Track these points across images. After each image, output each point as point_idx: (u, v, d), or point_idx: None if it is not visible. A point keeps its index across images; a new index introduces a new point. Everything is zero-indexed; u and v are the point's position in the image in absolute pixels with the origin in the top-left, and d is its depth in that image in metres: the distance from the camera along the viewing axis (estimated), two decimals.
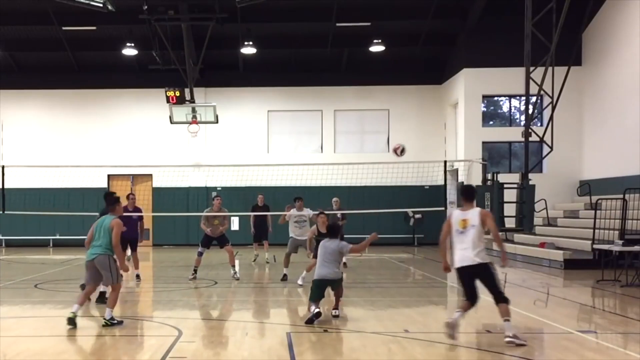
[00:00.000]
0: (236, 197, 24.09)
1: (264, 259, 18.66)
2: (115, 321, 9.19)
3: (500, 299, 8.11)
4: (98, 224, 9.40)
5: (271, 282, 14.87)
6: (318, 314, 9.23)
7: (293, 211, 15.09)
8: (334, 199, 17.57)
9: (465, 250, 8.13)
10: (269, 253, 18.88)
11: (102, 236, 9.23)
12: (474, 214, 8.23)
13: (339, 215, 16.94)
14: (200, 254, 14.62)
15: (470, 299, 8.24)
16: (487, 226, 8.19)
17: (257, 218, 18.77)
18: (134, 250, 14.80)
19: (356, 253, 9.59)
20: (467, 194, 8.50)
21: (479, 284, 8.21)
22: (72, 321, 8.87)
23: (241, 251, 19.64)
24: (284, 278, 14.20)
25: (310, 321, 9.17)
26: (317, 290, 9.56)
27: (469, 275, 8.19)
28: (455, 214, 8.39)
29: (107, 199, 9.81)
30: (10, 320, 9.69)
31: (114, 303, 9.31)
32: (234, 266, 14.67)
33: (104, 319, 9.17)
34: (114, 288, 9.29)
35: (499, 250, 8.58)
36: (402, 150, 17.18)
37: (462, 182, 9.81)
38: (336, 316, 9.66)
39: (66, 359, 7.41)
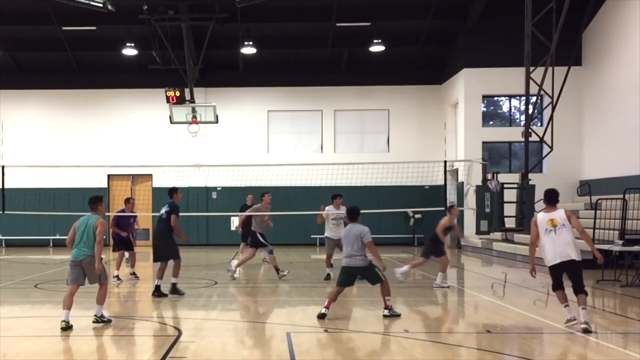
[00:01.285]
0: (236, 197, 24.08)
1: (260, 258, 18.61)
2: (105, 319, 9.30)
3: (581, 290, 8.77)
4: (81, 223, 9.33)
5: (271, 282, 14.86)
6: (322, 315, 9.47)
7: (330, 209, 14.62)
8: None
9: (559, 247, 8.80)
10: (263, 252, 18.85)
11: (88, 236, 9.20)
12: (560, 214, 8.98)
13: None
14: (271, 252, 14.53)
15: (561, 287, 8.97)
16: (573, 225, 8.96)
17: (246, 218, 18.58)
18: (131, 250, 15.00)
19: (371, 249, 9.68)
20: (551, 198, 9.24)
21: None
22: (66, 329, 8.81)
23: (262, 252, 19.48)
24: (328, 277, 14.18)
25: (320, 316, 9.50)
26: (342, 276, 9.78)
27: (562, 270, 8.87)
28: (540, 216, 9.08)
29: (90, 200, 9.75)
30: (10, 320, 9.69)
31: (103, 299, 9.38)
32: (275, 267, 14.66)
33: (95, 315, 9.28)
34: (101, 284, 9.32)
35: (589, 247, 9.34)
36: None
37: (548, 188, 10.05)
38: (386, 316, 9.60)
39: (66, 359, 7.40)
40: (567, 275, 8.89)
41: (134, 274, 14.98)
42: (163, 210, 12.59)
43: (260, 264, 18.33)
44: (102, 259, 9.32)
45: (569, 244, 8.81)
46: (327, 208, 14.74)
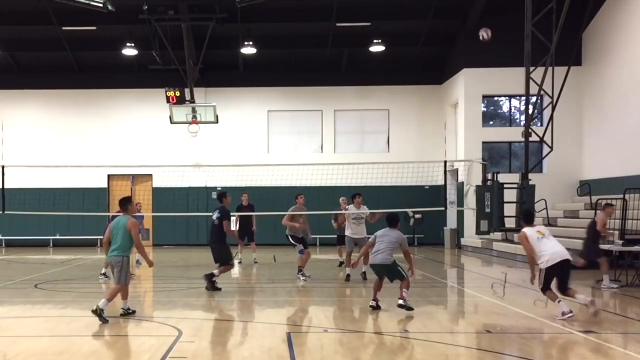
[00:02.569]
0: (236, 197, 24.05)
1: (252, 258, 18.67)
2: (130, 310, 9.94)
3: (567, 289, 9.64)
4: (113, 224, 10.00)
5: (271, 282, 14.87)
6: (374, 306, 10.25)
7: (351, 208, 14.70)
8: (342, 198, 17.16)
9: (557, 247, 9.73)
10: (256, 253, 18.95)
11: (120, 238, 9.82)
12: (542, 227, 10.29)
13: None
14: (302, 252, 14.33)
15: (550, 287, 9.71)
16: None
17: (241, 218, 18.68)
18: None
19: (407, 257, 10.68)
20: (529, 217, 10.30)
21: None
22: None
23: (256, 252, 19.55)
24: (347, 279, 14.17)
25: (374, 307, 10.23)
26: (375, 271, 10.46)
27: (558, 269, 9.60)
28: (528, 230, 9.97)
29: (120, 201, 10.41)
30: (10, 320, 9.69)
31: (113, 297, 9.78)
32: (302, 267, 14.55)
33: (122, 308, 9.93)
34: (121, 286, 9.85)
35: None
36: (484, 37, 15.99)
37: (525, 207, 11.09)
38: (400, 305, 9.99)
39: (66, 359, 7.40)
40: (557, 275, 9.66)
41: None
42: (215, 216, 12.88)
43: (249, 264, 18.34)
44: (129, 258, 10.07)
45: (561, 246, 9.90)
46: (348, 207, 14.85)
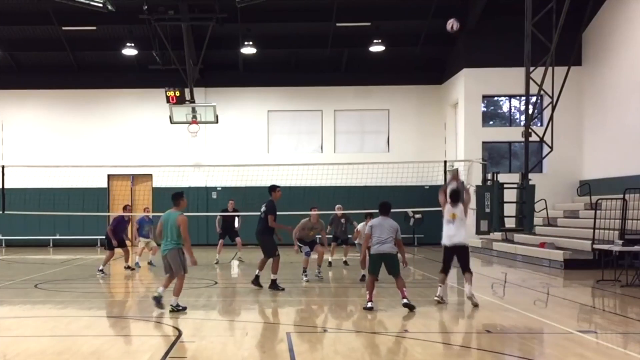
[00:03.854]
0: (236, 197, 24.08)
1: (235, 257, 19.07)
2: (180, 307, 10.18)
3: (468, 270, 10.92)
4: (164, 218, 10.44)
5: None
6: (370, 308, 10.15)
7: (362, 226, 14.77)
8: (338, 206, 17.48)
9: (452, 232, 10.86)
10: (241, 252, 19.37)
11: (170, 232, 10.26)
12: (459, 212, 11.07)
13: (342, 221, 17.15)
14: (308, 253, 14.35)
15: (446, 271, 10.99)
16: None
17: (224, 219, 19.19)
18: (124, 247, 16.50)
19: (400, 246, 10.74)
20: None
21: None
22: (158, 300, 10.14)
23: (241, 251, 19.64)
24: (363, 279, 14.21)
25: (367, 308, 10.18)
26: (373, 264, 10.47)
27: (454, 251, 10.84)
28: (448, 206, 10.99)
29: (173, 196, 10.79)
30: (10, 320, 9.69)
31: (179, 291, 10.28)
32: (319, 266, 14.78)
33: (171, 305, 10.14)
34: (179, 277, 10.30)
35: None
36: (453, 28, 15.81)
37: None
38: (406, 305, 10.14)
39: (66, 359, 7.40)
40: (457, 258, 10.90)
41: (128, 267, 16.53)
42: (262, 209, 12.98)
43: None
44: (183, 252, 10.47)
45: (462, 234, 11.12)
46: (359, 226, 15.27)
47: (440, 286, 11.18)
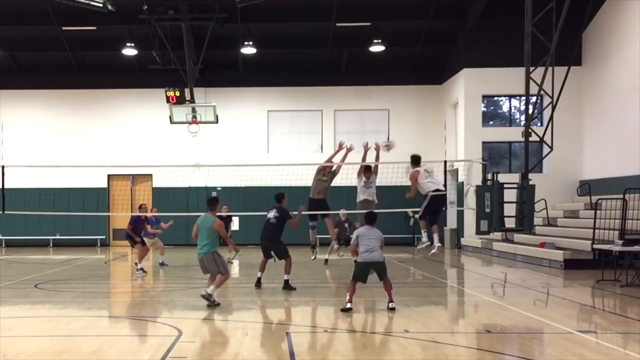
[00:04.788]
0: (236, 197, 24.10)
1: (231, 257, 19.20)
2: (215, 301, 10.62)
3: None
4: (200, 222, 10.87)
5: (271, 282, 14.86)
6: (348, 309, 10.12)
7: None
8: (342, 212, 18.09)
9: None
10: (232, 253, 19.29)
11: (206, 236, 10.72)
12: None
13: (346, 226, 17.59)
14: (313, 228, 15.26)
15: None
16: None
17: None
18: (144, 245, 16.65)
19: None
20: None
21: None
22: (207, 298, 10.63)
23: (241, 251, 19.61)
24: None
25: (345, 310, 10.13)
26: (361, 271, 10.46)
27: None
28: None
29: (208, 201, 11.31)
30: (10, 320, 9.69)
31: (219, 285, 10.85)
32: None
33: (206, 291, 10.71)
34: (224, 275, 10.83)
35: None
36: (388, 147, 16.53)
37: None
38: (392, 309, 10.15)
39: (66, 359, 7.40)
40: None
41: (136, 264, 16.45)
42: (271, 215, 13.20)
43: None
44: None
45: None
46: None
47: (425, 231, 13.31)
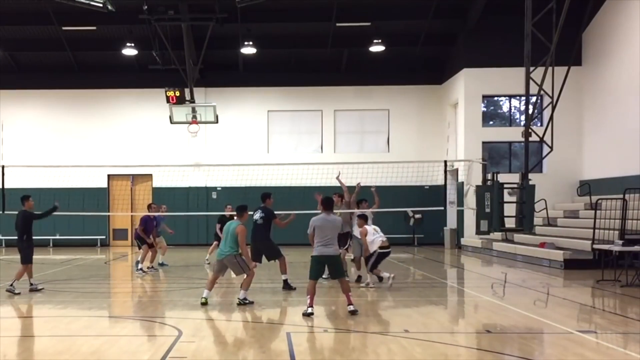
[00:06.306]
0: (236, 197, 24.04)
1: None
2: (247, 301, 10.93)
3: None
4: (225, 227, 11.22)
5: (270, 282, 14.86)
6: (310, 314, 9.85)
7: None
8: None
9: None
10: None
11: (230, 239, 11.01)
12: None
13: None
14: None
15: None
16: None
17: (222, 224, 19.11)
18: (152, 247, 16.80)
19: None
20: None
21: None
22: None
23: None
24: (359, 279, 14.24)
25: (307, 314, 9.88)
26: (316, 266, 10.18)
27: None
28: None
29: (237, 208, 11.59)
30: (10, 320, 9.69)
31: (247, 286, 11.08)
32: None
33: (238, 298, 11.02)
34: (248, 274, 11.07)
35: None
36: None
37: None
38: (353, 312, 9.89)
39: (66, 359, 7.40)
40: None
41: (152, 267, 16.77)
42: (257, 216, 13.09)
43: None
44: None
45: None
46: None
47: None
